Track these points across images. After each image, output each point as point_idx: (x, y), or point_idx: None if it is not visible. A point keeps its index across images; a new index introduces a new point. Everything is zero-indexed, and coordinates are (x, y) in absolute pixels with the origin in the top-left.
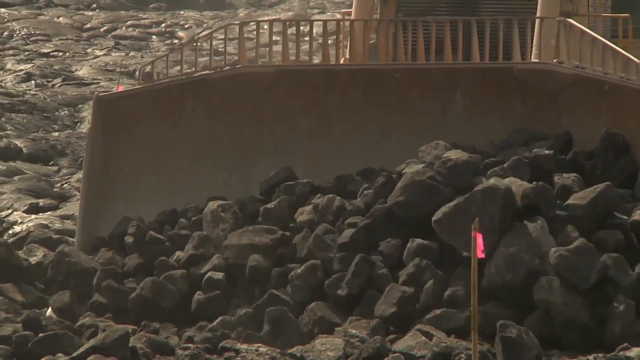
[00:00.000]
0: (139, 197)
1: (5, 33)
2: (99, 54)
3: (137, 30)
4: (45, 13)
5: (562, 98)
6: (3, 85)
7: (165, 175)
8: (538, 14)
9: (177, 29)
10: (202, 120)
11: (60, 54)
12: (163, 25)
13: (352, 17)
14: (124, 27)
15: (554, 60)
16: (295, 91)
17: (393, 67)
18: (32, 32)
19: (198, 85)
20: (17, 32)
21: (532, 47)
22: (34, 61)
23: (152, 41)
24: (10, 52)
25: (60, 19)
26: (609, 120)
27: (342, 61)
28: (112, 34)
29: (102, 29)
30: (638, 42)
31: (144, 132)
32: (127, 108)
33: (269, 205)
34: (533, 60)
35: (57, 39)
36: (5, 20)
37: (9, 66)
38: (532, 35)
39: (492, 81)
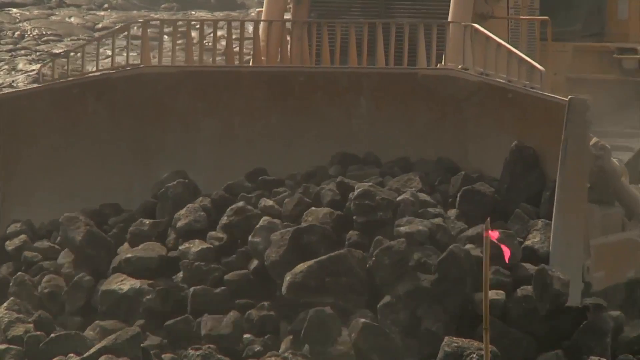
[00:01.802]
0: (36, 201)
1: (17, 33)
2: (110, 54)
3: (149, 30)
4: (56, 13)
5: (467, 106)
6: (15, 85)
7: (65, 179)
8: (449, 18)
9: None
10: (103, 122)
11: (72, 54)
12: None
13: (262, 18)
14: (135, 27)
15: (459, 67)
16: (198, 93)
17: (297, 70)
18: (44, 33)
19: (99, 86)
20: (29, 33)
21: (443, 52)
22: (45, 61)
23: (164, 41)
24: (22, 52)
25: (72, 19)
26: (513, 129)
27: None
28: (124, 34)
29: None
30: (567, 45)
31: (43, 133)
32: (25, 108)
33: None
34: (444, 65)
35: (68, 39)
36: (17, 20)
37: (20, 66)
38: (439, 40)
39: (397, 86)
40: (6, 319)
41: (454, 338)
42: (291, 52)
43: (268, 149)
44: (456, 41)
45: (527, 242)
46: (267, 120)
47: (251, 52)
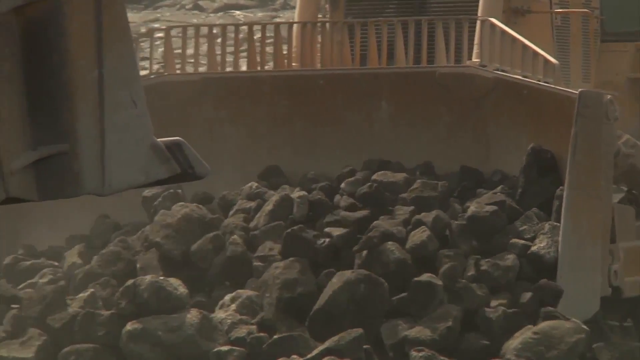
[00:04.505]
0: None
1: (241, 35)
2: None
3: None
4: (281, 15)
5: (485, 104)
6: None
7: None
8: (479, 14)
9: None
10: None
11: None
12: None
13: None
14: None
15: (477, 63)
16: (221, 101)
17: (317, 74)
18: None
19: None
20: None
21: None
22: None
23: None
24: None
25: None
26: (530, 127)
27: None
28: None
29: None
30: (628, 45)
31: None
32: None
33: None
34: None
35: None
36: (240, 22)
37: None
38: (457, 37)
39: (416, 87)
40: (229, 321)
41: None
42: (324, 54)
43: (292, 157)
44: (482, 37)
45: (533, 248)
46: (290, 126)
47: (286, 56)
